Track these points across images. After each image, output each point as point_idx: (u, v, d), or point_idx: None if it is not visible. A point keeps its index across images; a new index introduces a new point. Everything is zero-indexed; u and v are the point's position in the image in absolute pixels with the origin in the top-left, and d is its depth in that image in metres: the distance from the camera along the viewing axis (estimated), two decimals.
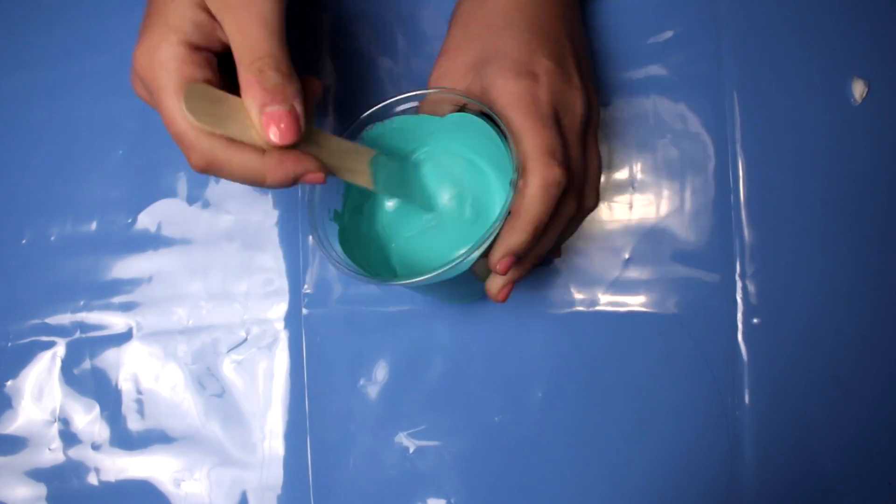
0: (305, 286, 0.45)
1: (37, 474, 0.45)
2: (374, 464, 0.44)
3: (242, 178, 0.31)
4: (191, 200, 0.46)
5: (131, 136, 0.46)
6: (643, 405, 0.43)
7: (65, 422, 0.45)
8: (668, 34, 0.45)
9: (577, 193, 0.36)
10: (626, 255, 0.44)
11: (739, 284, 0.44)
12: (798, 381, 0.44)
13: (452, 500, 0.44)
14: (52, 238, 0.46)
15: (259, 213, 0.45)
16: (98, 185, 0.46)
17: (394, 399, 0.44)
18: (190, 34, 0.30)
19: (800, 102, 0.45)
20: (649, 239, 0.44)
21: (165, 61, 0.30)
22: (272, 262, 0.45)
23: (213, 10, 0.31)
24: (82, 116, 0.47)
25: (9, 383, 0.46)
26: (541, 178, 0.33)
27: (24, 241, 0.46)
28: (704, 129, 0.45)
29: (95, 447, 0.45)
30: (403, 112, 0.38)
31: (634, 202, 0.45)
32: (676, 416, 0.43)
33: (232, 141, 0.31)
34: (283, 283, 0.45)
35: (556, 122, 0.35)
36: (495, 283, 0.36)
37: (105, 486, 0.45)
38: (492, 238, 0.34)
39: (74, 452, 0.45)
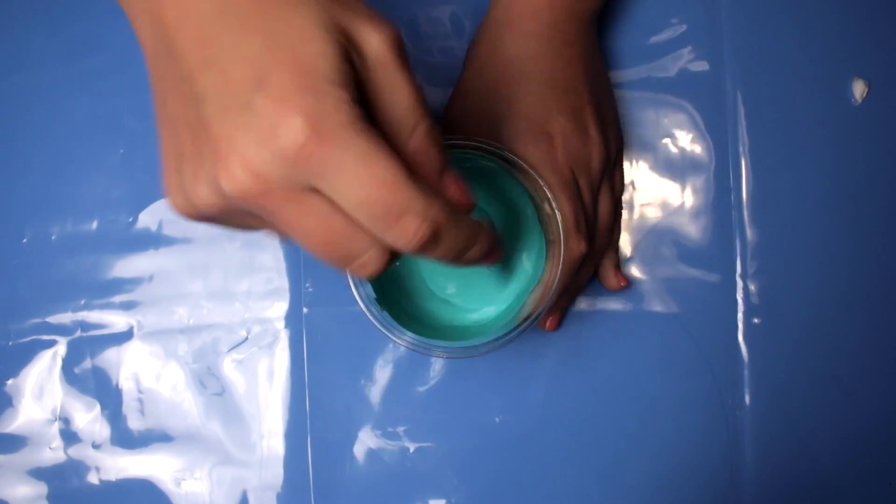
0: (306, 285, 0.45)
1: (37, 473, 0.45)
2: (374, 463, 0.44)
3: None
4: None
5: (132, 136, 0.46)
6: (643, 405, 0.43)
7: (65, 421, 0.45)
8: (669, 34, 0.45)
9: (588, 239, 0.37)
10: (627, 255, 0.44)
11: (740, 284, 0.44)
12: (798, 381, 0.44)
13: (453, 500, 0.44)
14: (53, 237, 0.46)
15: None
16: (99, 184, 0.46)
17: (394, 398, 0.44)
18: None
19: (800, 102, 0.45)
20: (649, 239, 0.44)
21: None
22: (273, 261, 0.45)
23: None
24: (82, 116, 0.46)
25: (9, 382, 0.46)
26: (567, 253, 0.34)
27: (24, 241, 0.46)
28: (705, 129, 0.45)
29: (96, 446, 0.45)
30: None
31: (634, 202, 0.45)
32: (676, 416, 0.43)
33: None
34: (283, 282, 0.45)
35: (575, 181, 0.35)
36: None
37: (106, 484, 0.45)
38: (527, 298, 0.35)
39: (75, 451, 0.45)
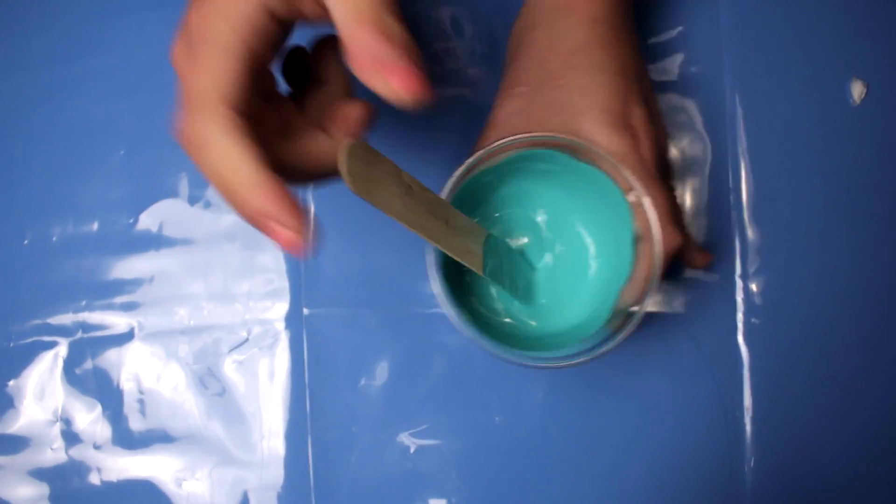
0: (306, 286, 0.45)
1: (39, 474, 0.45)
2: (375, 463, 0.44)
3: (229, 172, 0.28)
4: (192, 201, 0.46)
5: (132, 136, 0.46)
6: (643, 405, 0.43)
7: (67, 421, 0.45)
8: (669, 34, 0.45)
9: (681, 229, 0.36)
10: None
11: (739, 284, 0.44)
12: (798, 381, 0.44)
13: (453, 500, 0.44)
14: (54, 238, 0.46)
15: None
16: (99, 185, 0.46)
17: (395, 399, 0.44)
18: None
19: (799, 103, 0.45)
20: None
21: (233, 17, 0.25)
22: (273, 262, 0.45)
23: None
24: (83, 117, 0.47)
25: (11, 383, 0.46)
26: (663, 246, 0.33)
27: (25, 242, 0.46)
28: (705, 129, 0.45)
29: (97, 447, 0.45)
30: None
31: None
32: (676, 416, 0.43)
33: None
34: (284, 282, 0.45)
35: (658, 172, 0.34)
36: None
37: (107, 485, 0.45)
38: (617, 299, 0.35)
39: (76, 452, 0.45)
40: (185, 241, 0.46)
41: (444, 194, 0.34)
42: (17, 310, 0.46)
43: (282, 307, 0.45)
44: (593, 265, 0.39)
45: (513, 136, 0.33)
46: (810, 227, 0.44)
